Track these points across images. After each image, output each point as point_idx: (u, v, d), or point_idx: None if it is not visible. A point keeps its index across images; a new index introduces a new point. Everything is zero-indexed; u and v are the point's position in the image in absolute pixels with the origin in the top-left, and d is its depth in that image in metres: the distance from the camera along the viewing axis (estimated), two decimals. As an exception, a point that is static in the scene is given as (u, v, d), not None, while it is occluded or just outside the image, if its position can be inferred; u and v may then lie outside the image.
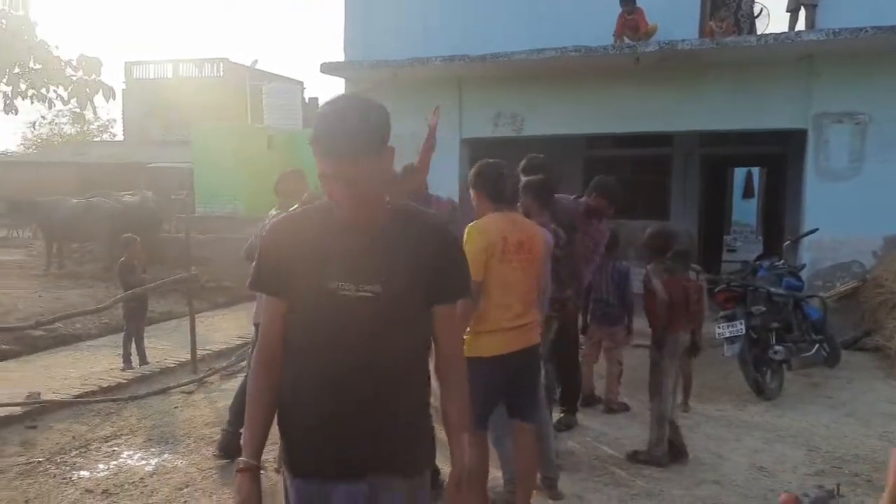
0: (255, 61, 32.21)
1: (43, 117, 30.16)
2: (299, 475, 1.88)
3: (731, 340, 5.72)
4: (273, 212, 4.93)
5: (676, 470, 4.45)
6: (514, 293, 3.39)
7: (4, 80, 7.71)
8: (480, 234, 3.34)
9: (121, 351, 7.50)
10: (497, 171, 3.47)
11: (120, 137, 29.09)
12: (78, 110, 9.38)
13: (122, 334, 7.66)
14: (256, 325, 4.77)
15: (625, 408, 5.53)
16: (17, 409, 5.60)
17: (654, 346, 4.66)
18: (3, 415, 5.44)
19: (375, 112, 1.75)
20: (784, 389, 5.99)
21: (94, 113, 9.39)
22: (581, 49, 7.61)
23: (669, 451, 4.53)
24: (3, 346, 8.09)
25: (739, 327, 5.69)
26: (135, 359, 7.48)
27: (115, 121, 33.01)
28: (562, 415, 5.12)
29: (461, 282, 1.95)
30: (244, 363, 7.02)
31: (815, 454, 4.69)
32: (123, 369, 7.21)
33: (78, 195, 15.72)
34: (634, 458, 4.54)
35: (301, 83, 24.61)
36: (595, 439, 5.00)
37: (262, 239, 1.95)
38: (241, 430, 4.57)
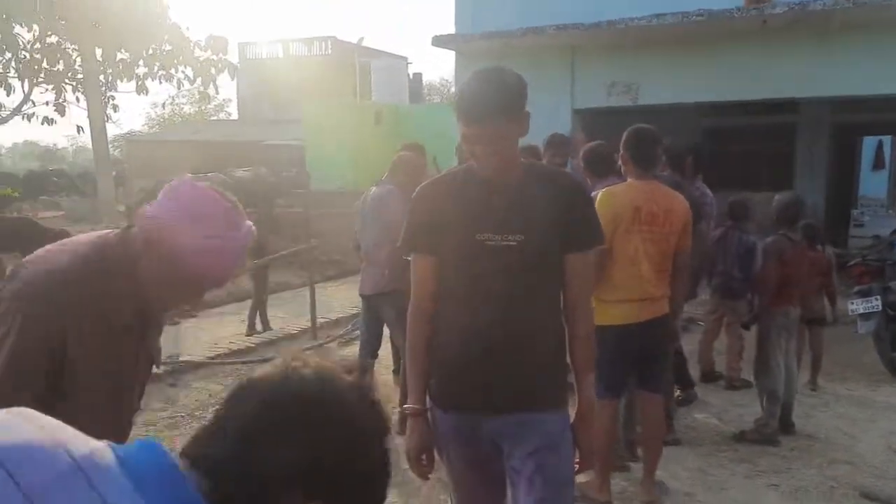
0: (362, 39, 32.82)
1: (172, 98, 31.89)
2: (449, 409, 2.08)
3: (865, 317, 5.42)
4: (373, 188, 4.97)
5: (804, 448, 4.29)
6: (642, 264, 3.36)
7: (141, 63, 8.23)
8: (610, 202, 3.31)
9: (245, 318, 7.93)
10: (649, 136, 3.42)
11: (234, 116, 30.47)
12: (202, 90, 9.90)
13: (245, 302, 8.10)
14: (363, 296, 4.94)
15: (746, 384, 5.35)
16: (159, 370, 6.06)
17: (760, 320, 4.50)
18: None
19: (515, 80, 1.95)
20: (923, 372, 5.63)
21: (217, 91, 9.90)
22: (705, 13, 7.28)
23: (780, 428, 4.38)
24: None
25: (875, 303, 5.38)
26: (259, 326, 7.90)
27: (230, 100, 34.56)
28: (678, 392, 5.02)
29: (591, 231, 2.10)
30: (358, 332, 7.29)
31: (960, 439, 4.41)
32: (248, 334, 7.64)
33: (195, 172, 16.57)
34: (742, 438, 4.39)
35: (406, 59, 24.83)
36: (716, 415, 4.89)
37: (412, 203, 2.14)
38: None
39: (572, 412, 2.12)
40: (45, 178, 21.77)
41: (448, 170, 2.24)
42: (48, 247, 1.59)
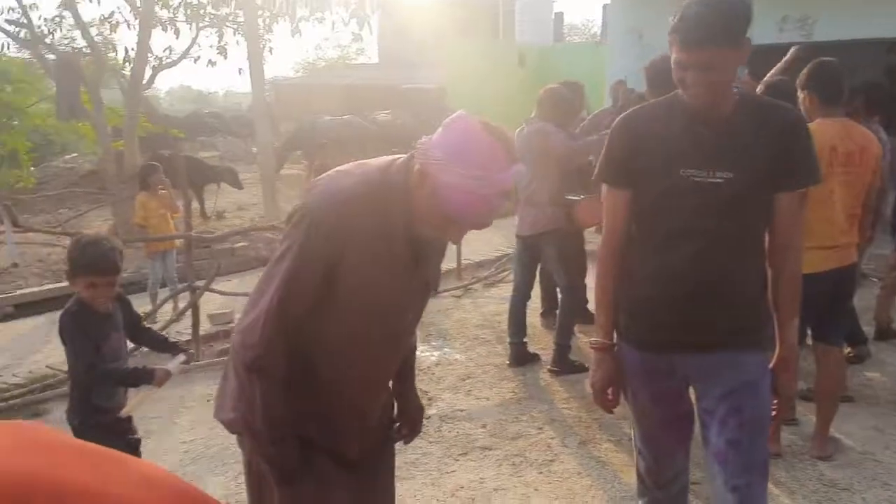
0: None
1: (326, 39, 32.67)
2: (640, 346, 2.08)
3: None
4: (523, 127, 4.90)
5: None
6: (835, 208, 3.19)
7: (302, 4, 8.49)
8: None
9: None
10: (835, 71, 3.21)
11: (375, 60, 30.98)
12: (357, 31, 10.09)
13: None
14: (520, 237, 4.91)
15: (926, 344, 5.00)
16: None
17: None
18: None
19: (740, 4, 1.80)
20: None
21: (371, 32, 10.09)
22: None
23: None
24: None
25: None
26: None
27: (364, 48, 35.13)
28: (849, 348, 4.76)
29: (808, 169, 1.98)
30: (503, 273, 7.40)
31: None
32: None
33: (336, 115, 17.02)
34: None
35: (549, -3, 24.11)
36: (892, 374, 4.60)
37: (611, 133, 2.09)
38: (525, 340, 4.88)
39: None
40: (202, 120, 23.19)
41: (655, 100, 2.14)
42: (341, 168, 1.64)
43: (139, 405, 2.78)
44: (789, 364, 2.06)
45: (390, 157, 1.66)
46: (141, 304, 6.41)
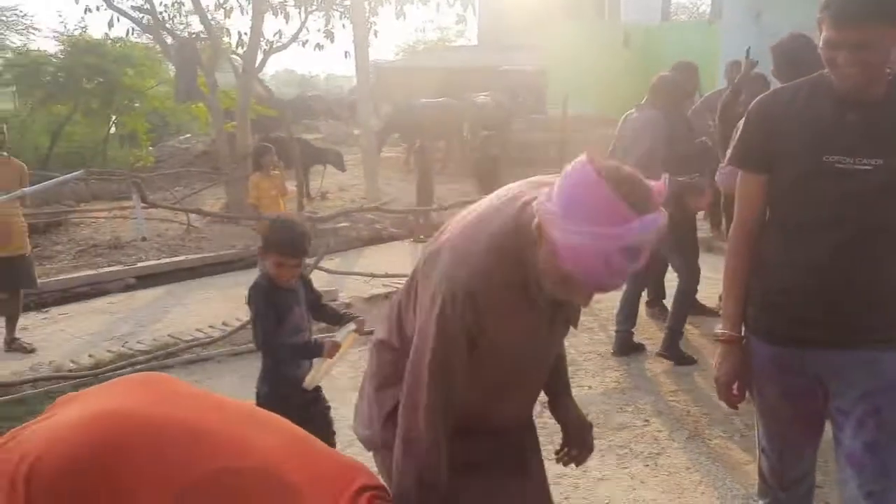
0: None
1: (431, 21, 33.11)
2: (771, 340, 1.99)
3: None
4: (633, 112, 4.79)
5: None
6: None
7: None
8: None
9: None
10: None
11: (474, 42, 30.94)
12: (461, 12, 10.08)
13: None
14: None
15: None
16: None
17: None
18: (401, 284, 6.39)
19: None
20: None
21: (475, 13, 10.12)
22: None
23: None
24: (392, 230, 9.38)
25: None
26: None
27: (464, 30, 35.07)
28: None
29: None
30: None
31: None
32: None
33: (435, 97, 17.05)
34: None
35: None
36: None
37: (748, 114, 2.00)
38: (633, 330, 4.81)
39: None
40: (305, 103, 23.85)
41: (797, 81, 2.01)
42: (459, 228, 1.55)
43: (321, 377, 2.91)
44: None
45: (510, 211, 1.50)
46: (252, 280, 6.69)
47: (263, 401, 2.82)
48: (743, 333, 2.06)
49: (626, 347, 4.86)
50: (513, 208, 1.51)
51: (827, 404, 1.98)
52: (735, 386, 2.08)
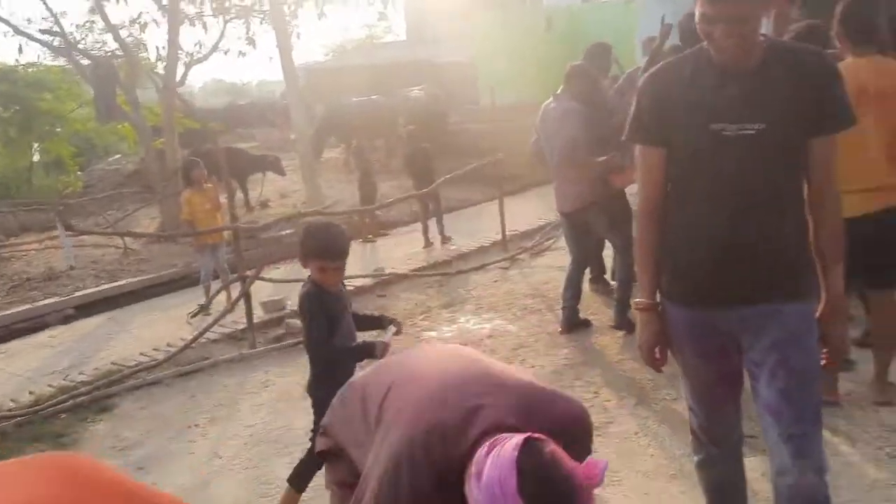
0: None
1: (353, 20, 32.82)
2: (684, 304, 2.08)
3: None
4: (550, 102, 4.89)
5: None
6: (873, 148, 3.11)
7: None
8: None
9: (434, 234, 8.20)
10: (866, 7, 3.11)
11: (403, 38, 30.83)
12: (383, 9, 10.08)
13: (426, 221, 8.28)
14: (564, 215, 4.95)
15: None
16: (369, 281, 6.56)
17: None
18: (359, 285, 6.41)
19: None
20: None
21: (395, 9, 10.14)
22: None
23: None
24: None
25: None
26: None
27: (390, 26, 34.94)
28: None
29: (842, 112, 1.94)
30: (549, 242, 7.38)
31: None
32: (425, 247, 7.97)
33: (367, 95, 16.93)
34: None
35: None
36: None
37: (639, 91, 2.08)
38: (578, 307, 4.92)
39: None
40: (238, 112, 23.46)
41: (680, 55, 2.12)
42: (416, 410, 1.57)
43: None
44: (836, 312, 2.03)
45: (456, 421, 1.51)
46: (195, 297, 6.63)
47: (321, 404, 2.76)
48: (659, 300, 2.15)
49: (573, 324, 4.97)
50: (460, 417, 1.51)
51: (742, 359, 2.08)
52: (657, 350, 2.16)
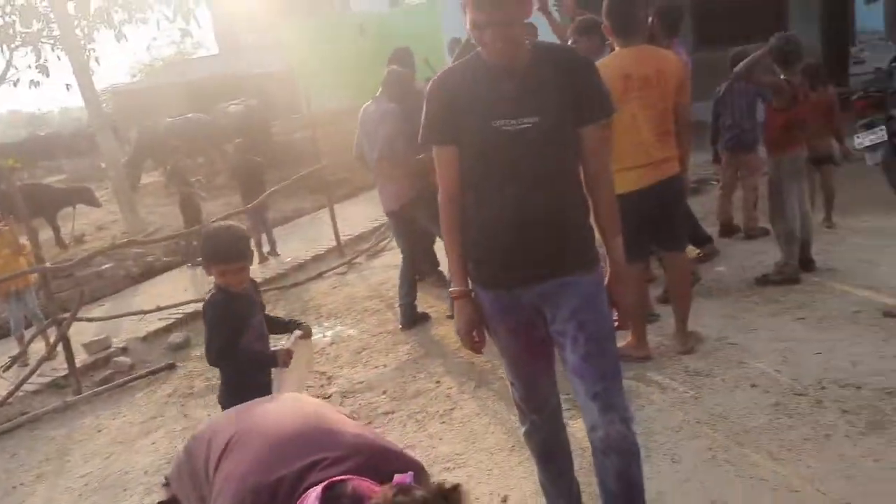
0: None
1: (154, 39, 31.15)
2: (491, 286, 2.25)
3: (872, 149, 5.49)
4: (370, 104, 5.04)
5: (826, 282, 4.51)
6: (641, 130, 3.47)
7: (118, 9, 8.10)
8: (602, 75, 3.38)
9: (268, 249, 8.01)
10: (628, 3, 3.45)
11: (215, 51, 29.74)
12: (184, 26, 9.74)
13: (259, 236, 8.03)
14: (390, 213, 5.08)
15: (764, 232, 5.51)
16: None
17: (772, 166, 4.62)
18: (190, 311, 6.15)
19: None
20: (935, 192, 5.77)
21: (199, 25, 9.80)
22: None
23: (801, 266, 4.57)
24: (165, 259, 8.88)
25: (881, 133, 5.44)
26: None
27: (200, 41, 33.57)
28: (698, 251, 5.21)
29: (601, 103, 2.18)
30: (384, 242, 7.49)
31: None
32: (261, 262, 7.58)
33: (184, 114, 16.24)
34: (765, 281, 4.58)
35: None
36: (739, 265, 5.09)
37: (428, 94, 2.21)
38: (415, 302, 5.03)
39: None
40: (38, 144, 21.63)
41: (461, 61, 2.27)
42: (246, 468, 1.57)
43: (300, 386, 2.87)
44: (620, 278, 2.27)
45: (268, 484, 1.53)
46: (7, 350, 6.08)
47: None
48: (471, 286, 2.29)
49: (412, 319, 5.09)
50: (294, 474, 1.52)
51: (548, 331, 2.27)
52: (475, 333, 2.30)
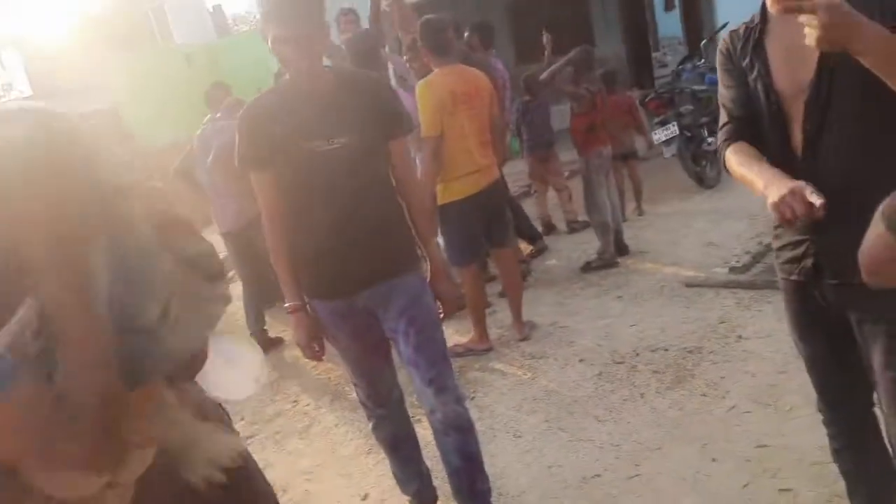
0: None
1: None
2: (326, 298, 2.38)
3: (667, 143, 6.23)
4: (207, 126, 5.01)
5: (638, 263, 5.07)
6: (469, 139, 3.78)
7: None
8: (432, 92, 3.67)
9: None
10: (439, 25, 3.76)
11: (29, 92, 27.64)
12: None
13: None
14: (226, 235, 5.03)
15: (584, 225, 6.01)
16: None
17: (582, 164, 5.15)
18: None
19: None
20: (722, 175, 6.57)
21: (3, 67, 9.20)
22: None
23: (616, 251, 5.10)
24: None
25: (673, 129, 6.18)
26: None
27: (10, 83, 31.10)
28: (531, 248, 5.63)
29: (399, 121, 2.38)
30: (232, 272, 7.36)
31: (755, 221, 5.29)
32: None
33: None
34: (588, 268, 5.06)
35: (199, -8, 23.29)
36: (565, 257, 5.57)
37: (239, 123, 2.31)
38: (265, 328, 5.03)
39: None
40: None
41: (269, 88, 2.43)
42: None
43: None
44: (439, 275, 2.51)
45: None
46: None
47: None
48: (307, 300, 2.42)
49: (265, 346, 5.11)
50: None
51: (382, 329, 2.45)
52: (315, 344, 2.44)
